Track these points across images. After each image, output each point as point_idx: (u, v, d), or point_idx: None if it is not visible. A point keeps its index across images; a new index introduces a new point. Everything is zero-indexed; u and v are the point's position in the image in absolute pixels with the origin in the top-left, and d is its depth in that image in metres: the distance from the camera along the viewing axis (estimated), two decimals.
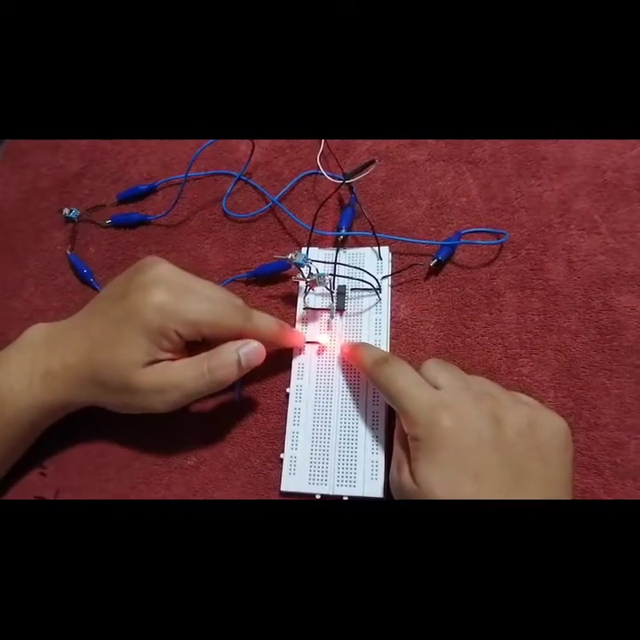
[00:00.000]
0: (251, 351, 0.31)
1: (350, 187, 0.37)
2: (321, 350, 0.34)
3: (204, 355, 0.31)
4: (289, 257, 0.33)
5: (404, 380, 0.28)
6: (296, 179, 0.40)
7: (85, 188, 0.45)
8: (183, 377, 0.31)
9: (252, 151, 0.40)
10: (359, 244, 0.37)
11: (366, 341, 0.33)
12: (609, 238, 0.34)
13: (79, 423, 0.36)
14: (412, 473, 0.26)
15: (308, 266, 0.33)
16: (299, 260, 0.33)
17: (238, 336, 0.32)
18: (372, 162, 0.33)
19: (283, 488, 0.32)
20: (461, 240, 0.35)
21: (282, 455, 0.32)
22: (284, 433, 0.33)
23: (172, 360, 0.32)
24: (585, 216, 0.35)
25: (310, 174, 0.40)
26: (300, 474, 0.31)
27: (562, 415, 0.31)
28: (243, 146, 0.42)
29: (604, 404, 0.31)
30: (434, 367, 0.29)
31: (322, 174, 0.37)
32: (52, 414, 0.34)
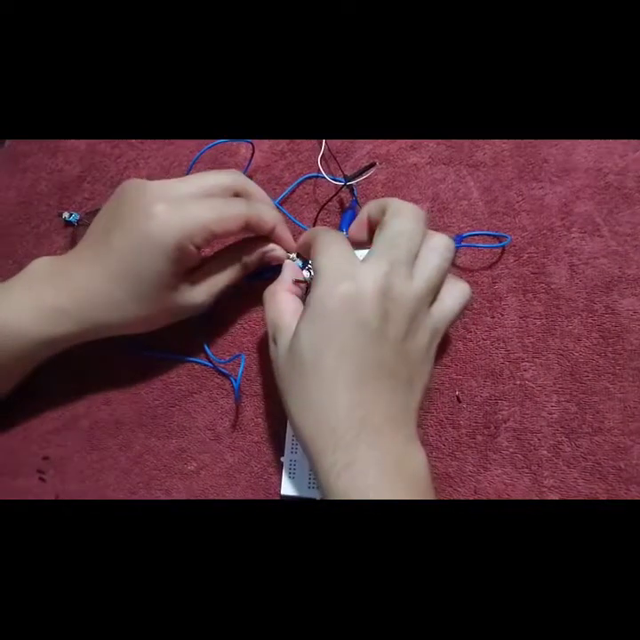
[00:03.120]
0: (271, 248, 0.34)
1: (351, 189, 0.37)
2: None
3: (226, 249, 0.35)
4: (290, 257, 0.33)
5: (329, 243, 0.29)
6: (297, 182, 0.40)
7: (85, 192, 0.45)
8: (222, 275, 0.34)
9: (253, 154, 0.40)
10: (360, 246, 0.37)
11: None
12: (611, 241, 0.34)
13: (79, 428, 0.36)
14: (295, 330, 0.28)
15: (307, 270, 0.33)
16: (299, 262, 0.33)
17: (243, 224, 0.32)
18: (373, 164, 0.33)
19: (282, 491, 0.31)
20: (463, 243, 0.35)
21: (282, 459, 0.32)
22: (285, 437, 0.33)
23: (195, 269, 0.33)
24: (587, 219, 0.34)
25: (311, 177, 0.40)
26: (300, 477, 0.31)
27: (565, 419, 0.31)
28: (243, 149, 0.42)
29: (608, 408, 0.30)
30: (393, 218, 0.29)
31: (322, 177, 0.37)
32: (53, 347, 0.34)
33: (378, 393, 0.26)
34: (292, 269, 0.33)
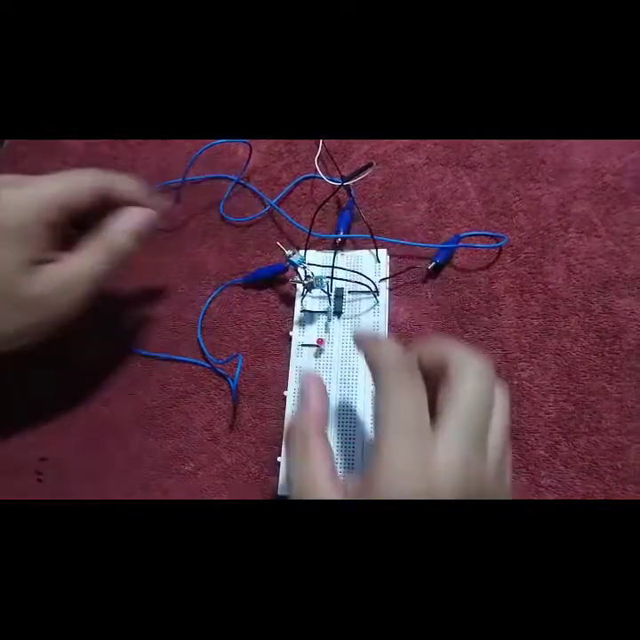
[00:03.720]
0: (134, 214, 0.31)
1: (348, 190, 0.37)
2: (320, 341, 0.34)
3: (91, 237, 0.30)
4: (288, 253, 0.33)
5: (402, 414, 0.21)
6: (294, 182, 0.40)
7: None
8: (85, 266, 0.29)
9: (250, 154, 0.40)
10: (357, 247, 0.37)
11: None
12: (608, 241, 0.34)
13: (75, 429, 0.36)
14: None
15: (303, 268, 0.33)
16: (295, 259, 0.33)
17: (104, 195, 0.30)
18: (370, 165, 0.33)
19: (280, 492, 0.31)
20: (460, 243, 0.35)
21: (279, 459, 0.32)
22: (282, 437, 0.32)
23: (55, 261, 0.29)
24: (584, 219, 0.34)
25: (308, 178, 0.40)
26: None
27: (562, 419, 0.31)
28: (240, 150, 0.42)
29: (605, 408, 0.30)
30: (464, 382, 0.21)
31: (320, 178, 0.37)
32: None
33: None
34: (318, 395, 0.25)
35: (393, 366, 0.22)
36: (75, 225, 0.31)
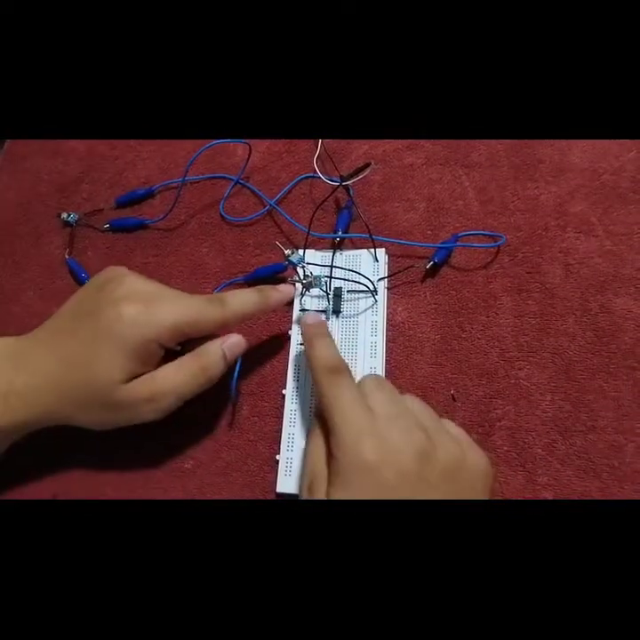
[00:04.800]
0: (233, 344, 0.32)
1: (347, 190, 0.38)
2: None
3: (189, 356, 0.31)
4: (287, 253, 0.34)
5: (344, 395, 0.27)
6: (293, 182, 0.40)
7: (84, 193, 0.45)
8: (174, 383, 0.31)
9: (250, 154, 0.40)
10: (356, 246, 0.37)
11: (362, 345, 0.33)
12: (606, 241, 0.34)
13: (76, 428, 0.36)
14: (327, 495, 0.25)
15: (302, 268, 0.33)
16: (294, 258, 0.34)
17: (221, 325, 0.31)
18: (368, 164, 0.33)
19: (278, 489, 0.32)
20: (458, 243, 0.35)
21: (277, 457, 0.32)
22: (281, 435, 0.33)
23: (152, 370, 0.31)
24: (582, 218, 0.35)
25: (307, 178, 0.40)
26: (296, 475, 0.31)
27: (559, 418, 0.31)
28: (240, 150, 0.42)
29: (602, 406, 0.31)
30: (369, 385, 0.28)
31: (318, 178, 0.37)
32: (7, 435, 0.32)
33: None
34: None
35: (329, 371, 0.28)
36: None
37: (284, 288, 0.34)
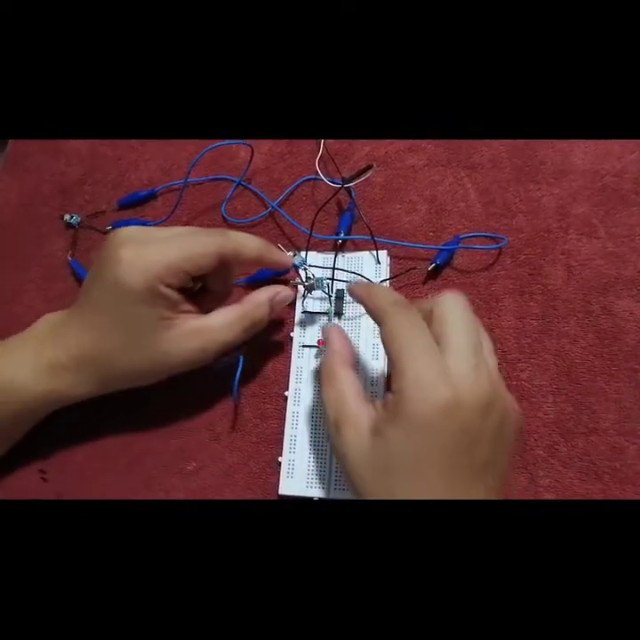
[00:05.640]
0: (282, 298, 0.33)
1: (349, 191, 0.38)
2: (321, 342, 0.34)
3: (236, 305, 0.33)
4: (289, 255, 0.34)
5: (413, 338, 0.25)
6: (295, 184, 0.40)
7: (86, 195, 0.45)
8: (219, 327, 0.31)
9: (252, 156, 0.40)
10: (358, 248, 0.37)
11: (364, 346, 0.33)
12: (608, 242, 0.34)
13: (80, 428, 0.37)
14: (375, 429, 0.24)
15: (304, 270, 0.33)
16: (296, 261, 0.34)
17: (226, 260, 0.31)
18: (370, 166, 0.33)
19: (280, 491, 0.32)
20: (460, 245, 0.35)
21: (280, 459, 0.32)
22: (283, 437, 0.33)
23: (186, 312, 0.31)
24: (584, 220, 0.35)
25: (309, 180, 0.40)
26: (298, 477, 0.32)
27: (561, 420, 0.31)
28: (242, 152, 0.42)
29: (603, 408, 0.31)
30: (449, 311, 0.25)
31: (321, 180, 0.37)
32: (55, 404, 0.34)
33: (476, 491, 0.24)
34: (339, 338, 0.30)
35: (394, 302, 0.26)
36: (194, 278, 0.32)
37: (285, 254, 0.35)
